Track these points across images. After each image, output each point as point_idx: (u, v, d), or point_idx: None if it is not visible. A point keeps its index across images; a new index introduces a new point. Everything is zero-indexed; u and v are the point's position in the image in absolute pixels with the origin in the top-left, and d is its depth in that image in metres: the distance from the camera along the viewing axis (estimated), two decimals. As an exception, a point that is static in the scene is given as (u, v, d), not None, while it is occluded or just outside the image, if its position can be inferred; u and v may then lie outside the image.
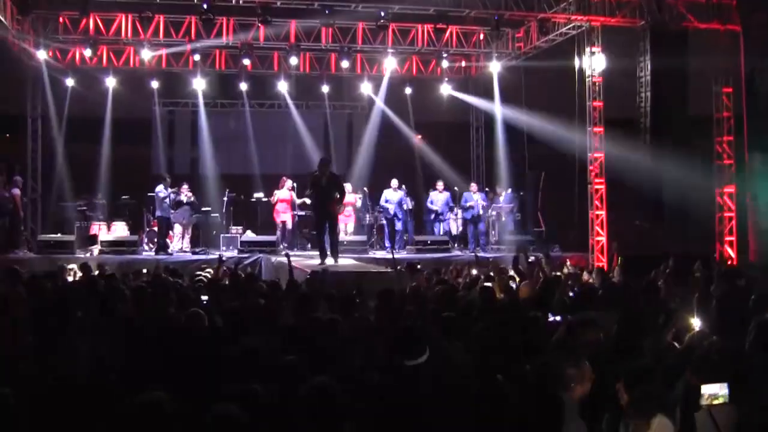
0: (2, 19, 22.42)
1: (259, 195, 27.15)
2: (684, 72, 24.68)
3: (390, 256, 18.38)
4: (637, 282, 14.40)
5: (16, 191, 24.15)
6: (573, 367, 6.39)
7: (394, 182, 26.15)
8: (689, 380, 6.75)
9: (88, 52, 25.32)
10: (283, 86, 29.08)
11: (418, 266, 18.88)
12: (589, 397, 6.34)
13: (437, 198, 26.68)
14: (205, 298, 11.93)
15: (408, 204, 26.35)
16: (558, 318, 10.57)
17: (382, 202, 26.02)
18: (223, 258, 19.47)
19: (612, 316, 9.88)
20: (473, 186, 26.89)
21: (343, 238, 24.57)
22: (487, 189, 27.68)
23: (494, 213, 26.77)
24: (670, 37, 24.34)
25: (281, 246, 24.45)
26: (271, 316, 9.59)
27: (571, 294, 12.93)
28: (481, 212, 26.23)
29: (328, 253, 18.64)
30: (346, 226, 25.68)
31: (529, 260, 18.38)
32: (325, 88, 29.28)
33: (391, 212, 25.89)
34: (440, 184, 26.75)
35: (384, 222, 26.41)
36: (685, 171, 24.15)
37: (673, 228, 25.70)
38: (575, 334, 8.14)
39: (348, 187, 25.18)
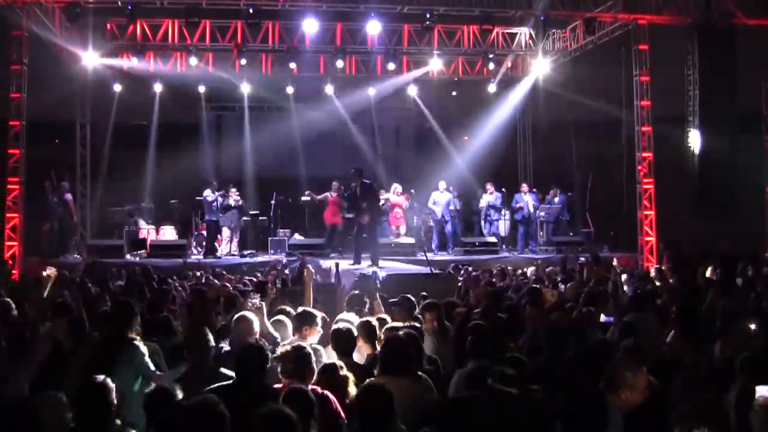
0: (51, 27, 22.65)
1: (306, 198, 26.94)
2: (732, 69, 24.42)
3: (425, 258, 18.39)
4: (687, 282, 14.32)
5: (69, 196, 24.37)
6: (629, 371, 6.33)
7: (442, 184, 26.08)
8: (743, 382, 6.69)
9: (135, 61, 25.55)
10: (329, 89, 29.10)
11: (469, 268, 18.88)
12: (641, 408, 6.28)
13: (486, 200, 26.49)
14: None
15: (456, 206, 26.25)
16: (610, 319, 10.52)
17: (429, 204, 25.96)
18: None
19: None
20: (524, 187, 26.75)
21: (391, 240, 24.61)
22: (533, 190, 27.45)
23: (542, 214, 26.55)
24: (717, 34, 24.09)
25: (329, 249, 24.45)
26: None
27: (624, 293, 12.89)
28: (532, 213, 26.07)
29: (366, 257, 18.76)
30: (399, 228, 25.71)
31: (579, 261, 18.33)
32: (372, 90, 29.16)
33: (439, 214, 25.81)
34: (489, 186, 26.59)
35: (433, 224, 26.35)
36: (733, 169, 23.94)
37: (723, 227, 25.45)
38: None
39: (398, 188, 25.26)
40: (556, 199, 26.62)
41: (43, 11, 22.00)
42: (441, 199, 25.86)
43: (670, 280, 16.05)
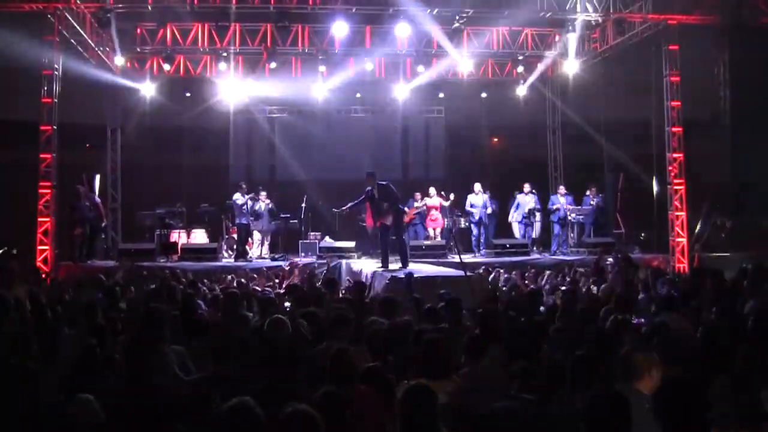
0: (82, 32, 22.77)
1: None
2: (764, 68, 24.28)
3: (459, 261, 18.32)
4: (720, 283, 14.23)
5: (98, 199, 24.48)
6: (642, 354, 6.32)
7: (477, 186, 25.99)
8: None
9: (167, 66, 25.63)
10: (359, 91, 29.18)
11: (501, 270, 18.87)
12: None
13: (524, 200, 26.38)
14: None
15: (491, 207, 26.16)
16: (642, 320, 10.47)
17: (467, 206, 25.91)
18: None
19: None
20: (561, 189, 26.63)
21: (421, 242, 24.62)
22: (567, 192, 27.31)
23: (581, 217, 26.40)
24: (748, 34, 23.98)
25: (360, 251, 24.46)
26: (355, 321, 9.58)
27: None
28: (568, 215, 25.93)
29: (396, 259, 18.76)
30: (434, 230, 25.73)
31: (608, 262, 18.29)
32: (401, 93, 29.09)
33: (476, 216, 25.75)
34: (527, 187, 26.49)
35: (463, 226, 26.31)
36: (766, 170, 23.80)
37: (756, 228, 25.30)
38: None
39: (432, 190, 25.26)
40: (593, 201, 26.45)
41: (73, 16, 22.12)
42: (477, 201, 25.80)
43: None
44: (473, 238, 26.10)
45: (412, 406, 5.46)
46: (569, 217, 26.01)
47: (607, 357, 7.44)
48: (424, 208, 25.65)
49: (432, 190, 26.01)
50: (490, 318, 9.27)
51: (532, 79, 28.59)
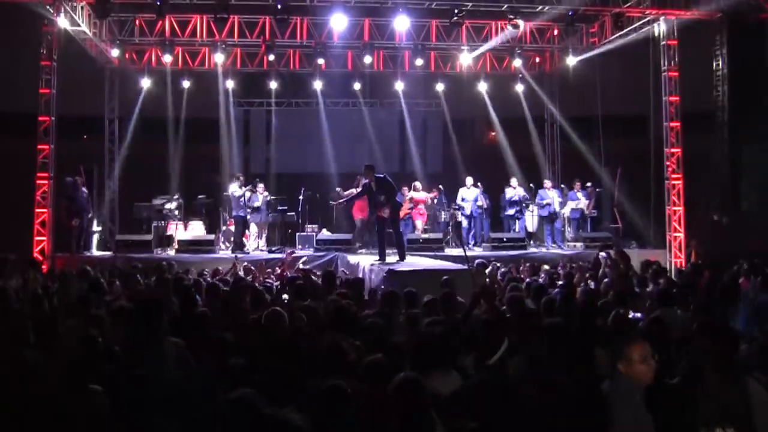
0: (80, 23, 22.75)
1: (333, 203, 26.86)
2: (762, 64, 24.26)
3: (464, 254, 18.27)
4: (717, 278, 14.26)
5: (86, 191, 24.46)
6: (633, 343, 6.32)
7: (469, 180, 26.02)
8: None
9: (167, 58, 25.55)
10: (356, 84, 29.15)
11: (497, 264, 18.85)
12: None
13: (510, 194, 26.41)
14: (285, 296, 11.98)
15: (483, 201, 26.16)
16: (639, 315, 10.48)
17: (458, 200, 25.90)
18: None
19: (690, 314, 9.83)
20: (547, 183, 26.65)
21: (419, 235, 24.61)
22: (562, 186, 27.31)
23: (568, 210, 26.41)
24: (747, 29, 23.95)
25: (357, 244, 24.46)
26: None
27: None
28: (557, 209, 25.94)
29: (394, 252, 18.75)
30: (415, 222, 25.71)
31: (602, 256, 18.30)
32: (400, 86, 29.09)
33: (467, 210, 25.75)
34: (514, 181, 26.52)
35: (460, 219, 26.31)
36: (764, 165, 23.80)
37: (752, 223, 25.30)
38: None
39: (418, 185, 25.26)
40: (579, 194, 26.45)
41: (72, 7, 22.11)
42: (468, 195, 25.81)
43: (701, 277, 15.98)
44: (464, 231, 26.10)
45: (404, 398, 5.47)
46: (560, 212, 26.04)
47: (597, 349, 7.46)
48: (411, 203, 25.63)
49: (417, 184, 26.04)
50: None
51: (529, 74, 28.60)
